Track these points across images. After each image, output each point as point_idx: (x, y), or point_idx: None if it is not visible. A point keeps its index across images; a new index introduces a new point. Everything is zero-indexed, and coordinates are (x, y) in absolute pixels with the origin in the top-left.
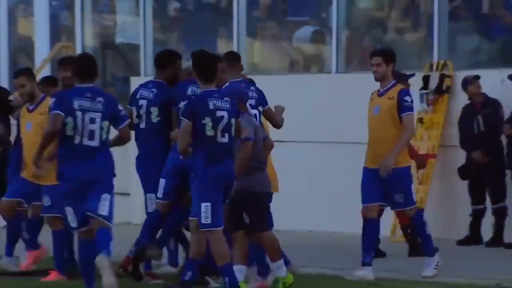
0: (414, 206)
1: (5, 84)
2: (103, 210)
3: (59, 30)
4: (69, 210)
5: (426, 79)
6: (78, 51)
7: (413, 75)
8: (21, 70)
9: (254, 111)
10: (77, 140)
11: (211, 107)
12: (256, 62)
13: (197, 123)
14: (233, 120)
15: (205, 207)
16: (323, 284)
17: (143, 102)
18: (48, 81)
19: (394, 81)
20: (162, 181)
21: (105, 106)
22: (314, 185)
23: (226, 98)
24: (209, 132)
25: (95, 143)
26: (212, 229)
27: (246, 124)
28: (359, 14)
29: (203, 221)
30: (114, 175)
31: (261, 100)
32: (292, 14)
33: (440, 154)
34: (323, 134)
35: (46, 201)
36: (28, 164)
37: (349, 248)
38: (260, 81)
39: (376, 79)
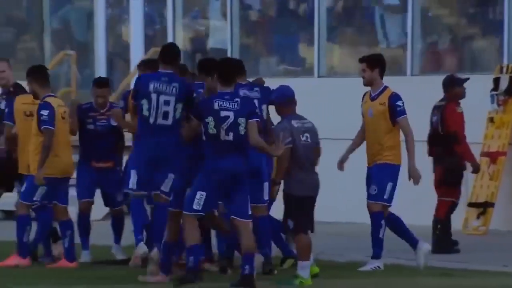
0: (381, 203)
1: None
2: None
3: (153, 36)
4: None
5: (496, 81)
6: None
7: (467, 79)
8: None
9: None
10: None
11: (216, 107)
12: (335, 65)
13: (203, 121)
14: (240, 120)
15: (200, 195)
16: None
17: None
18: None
19: (384, 86)
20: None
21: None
22: None
23: (236, 99)
24: (211, 130)
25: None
26: (199, 214)
27: (280, 129)
28: (433, 19)
29: (194, 206)
30: None
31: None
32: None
33: (510, 151)
34: None
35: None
36: None
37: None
38: (339, 83)
39: (364, 84)
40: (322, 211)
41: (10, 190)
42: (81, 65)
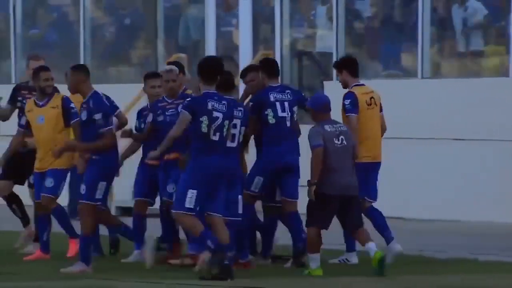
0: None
1: None
2: None
3: (260, 39)
4: None
5: None
6: (277, 58)
7: None
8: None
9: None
10: None
11: (209, 107)
12: (436, 69)
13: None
14: (226, 122)
15: (191, 193)
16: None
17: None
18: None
19: (352, 85)
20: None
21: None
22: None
23: (224, 102)
24: (204, 129)
25: None
26: (191, 213)
27: (312, 133)
28: None
29: (186, 205)
30: None
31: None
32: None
33: None
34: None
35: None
36: None
37: None
38: (439, 85)
39: (343, 87)
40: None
41: (22, 183)
42: (192, 68)
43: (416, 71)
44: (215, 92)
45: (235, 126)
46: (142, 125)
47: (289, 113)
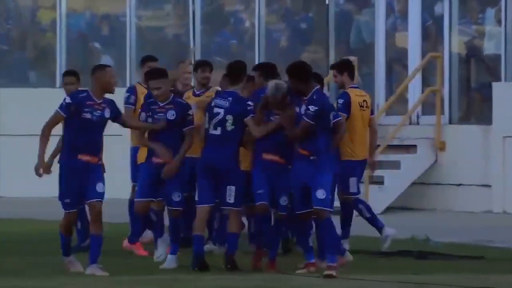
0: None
1: None
2: None
3: (429, 42)
4: None
5: None
6: (446, 60)
7: None
8: None
9: None
10: None
11: (212, 104)
12: None
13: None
14: (228, 117)
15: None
16: None
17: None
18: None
19: (348, 87)
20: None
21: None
22: None
23: (229, 98)
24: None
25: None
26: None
27: None
28: None
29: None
30: None
31: None
32: None
33: None
34: None
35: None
36: None
37: None
38: None
39: (339, 88)
40: None
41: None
42: (362, 70)
43: None
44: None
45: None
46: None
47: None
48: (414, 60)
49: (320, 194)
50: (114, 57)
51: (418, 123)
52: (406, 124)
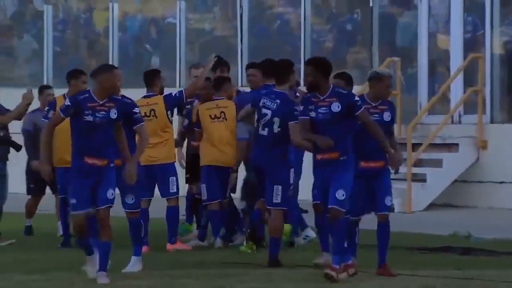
0: None
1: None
2: None
3: (471, 43)
4: None
5: None
6: (487, 60)
7: None
8: None
9: None
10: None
11: (260, 104)
12: None
13: None
14: (275, 119)
15: None
16: None
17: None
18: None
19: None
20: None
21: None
22: None
23: (277, 101)
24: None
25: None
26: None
27: None
28: None
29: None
30: None
31: None
32: None
33: None
34: None
35: None
36: None
37: None
38: None
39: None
40: None
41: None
42: (405, 71)
43: None
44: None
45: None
46: None
47: None
48: (456, 61)
49: (340, 194)
50: (164, 58)
51: (460, 122)
52: (448, 123)
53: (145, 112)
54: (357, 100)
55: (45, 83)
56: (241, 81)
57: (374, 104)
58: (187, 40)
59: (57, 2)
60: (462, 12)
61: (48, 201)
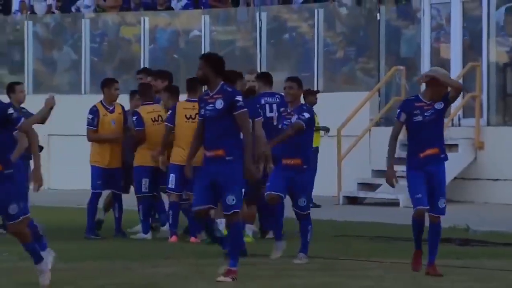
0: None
1: None
2: None
3: (469, 52)
4: None
5: None
6: (484, 68)
7: None
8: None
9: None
10: None
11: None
12: None
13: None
14: None
15: None
16: None
17: None
18: None
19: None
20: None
21: None
22: None
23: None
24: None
25: None
26: None
27: None
28: None
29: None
30: None
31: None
32: None
33: None
34: None
35: None
36: None
37: None
38: None
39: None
40: None
41: None
42: (409, 79)
43: None
44: None
45: None
46: None
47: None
48: (456, 69)
49: (230, 199)
50: (191, 67)
51: (459, 125)
52: (449, 126)
53: (190, 115)
54: (238, 100)
55: (82, 91)
56: None
57: (428, 103)
58: (211, 50)
59: (94, 16)
60: (461, 25)
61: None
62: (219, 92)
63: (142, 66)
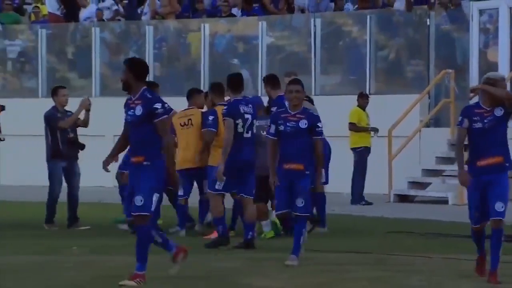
0: None
1: None
2: None
3: None
4: None
5: None
6: None
7: None
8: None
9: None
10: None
11: (241, 111)
12: None
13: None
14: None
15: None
16: None
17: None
18: None
19: None
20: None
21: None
22: None
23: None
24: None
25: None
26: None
27: None
28: None
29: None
30: None
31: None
32: None
33: None
34: None
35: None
36: None
37: None
38: None
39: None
40: None
41: None
42: (458, 82)
43: None
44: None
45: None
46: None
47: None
48: (504, 72)
49: (137, 200)
50: (249, 70)
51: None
52: None
53: (184, 122)
54: (156, 108)
55: None
56: (314, 90)
57: (488, 109)
58: (268, 54)
59: (157, 23)
60: (509, 29)
61: None
62: (139, 98)
63: (202, 70)
